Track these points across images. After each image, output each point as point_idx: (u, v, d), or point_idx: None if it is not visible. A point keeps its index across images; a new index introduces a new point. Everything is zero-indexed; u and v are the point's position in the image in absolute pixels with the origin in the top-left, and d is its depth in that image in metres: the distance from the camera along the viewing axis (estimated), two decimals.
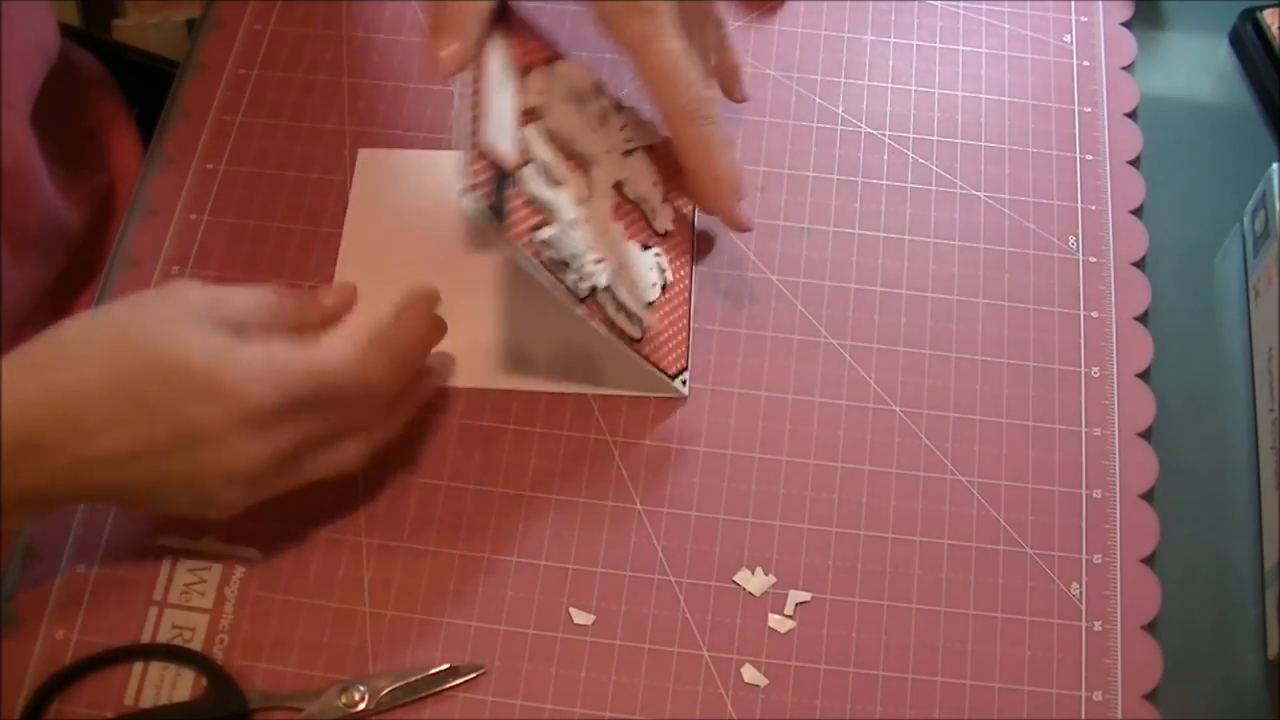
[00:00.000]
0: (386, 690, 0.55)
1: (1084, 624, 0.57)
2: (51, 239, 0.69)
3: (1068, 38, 0.72)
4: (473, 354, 0.63)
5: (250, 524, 0.58)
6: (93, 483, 0.51)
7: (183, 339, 0.51)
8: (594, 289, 0.56)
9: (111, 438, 0.50)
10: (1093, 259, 0.65)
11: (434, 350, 0.58)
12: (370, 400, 0.55)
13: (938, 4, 0.72)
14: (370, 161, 0.68)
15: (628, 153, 0.62)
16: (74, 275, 0.71)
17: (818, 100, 0.70)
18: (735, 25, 0.72)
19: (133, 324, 0.51)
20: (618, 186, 0.62)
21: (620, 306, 0.58)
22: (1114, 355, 0.63)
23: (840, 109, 0.69)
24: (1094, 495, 0.60)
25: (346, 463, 0.55)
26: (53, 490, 0.51)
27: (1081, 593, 0.58)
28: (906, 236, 0.66)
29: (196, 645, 0.56)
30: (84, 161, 0.74)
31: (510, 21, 0.59)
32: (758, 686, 0.56)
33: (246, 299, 0.55)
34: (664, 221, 0.63)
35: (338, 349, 0.54)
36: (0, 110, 0.63)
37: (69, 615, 0.57)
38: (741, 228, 0.62)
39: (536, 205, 0.55)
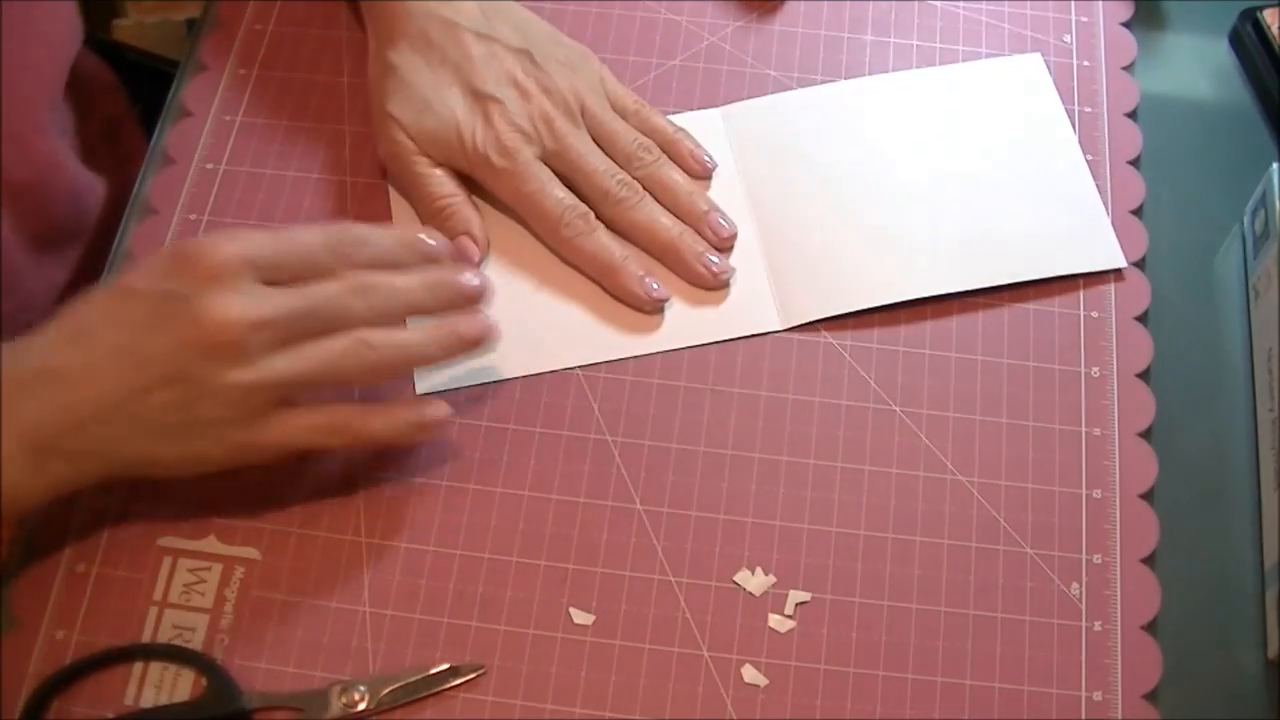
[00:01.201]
0: (386, 690, 0.55)
1: (1084, 624, 0.57)
2: (68, 239, 0.70)
3: (1068, 38, 0.72)
4: (553, 331, 0.63)
5: (250, 524, 0.58)
6: (104, 399, 0.52)
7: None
8: None
9: (108, 334, 0.53)
10: None
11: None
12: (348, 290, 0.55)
13: (938, 4, 0.73)
14: None
15: None
16: (89, 275, 0.71)
17: None
18: (735, 25, 0.72)
19: None
20: None
21: None
22: (1114, 355, 0.63)
23: None
24: (1094, 495, 0.60)
25: (341, 362, 0.55)
26: (73, 428, 0.52)
27: (1081, 593, 0.58)
28: None
29: (196, 645, 0.56)
30: (96, 165, 0.74)
31: None
32: (758, 686, 0.56)
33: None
34: None
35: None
36: (19, 121, 0.63)
37: (69, 615, 0.57)
38: (644, 303, 0.63)
39: None
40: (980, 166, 0.67)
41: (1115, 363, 0.63)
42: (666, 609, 0.57)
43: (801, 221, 0.65)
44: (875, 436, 0.61)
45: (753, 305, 0.64)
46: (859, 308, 0.63)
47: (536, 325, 0.63)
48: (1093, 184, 0.66)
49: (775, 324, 0.63)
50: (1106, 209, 0.66)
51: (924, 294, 0.64)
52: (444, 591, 0.58)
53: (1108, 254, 0.65)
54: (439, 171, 0.64)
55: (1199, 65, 0.72)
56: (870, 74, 0.70)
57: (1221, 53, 0.73)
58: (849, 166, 0.67)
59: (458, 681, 0.56)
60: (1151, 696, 0.56)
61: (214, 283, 0.52)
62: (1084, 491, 0.60)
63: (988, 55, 0.71)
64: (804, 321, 0.63)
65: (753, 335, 0.63)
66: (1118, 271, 0.65)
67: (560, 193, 0.63)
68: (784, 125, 0.68)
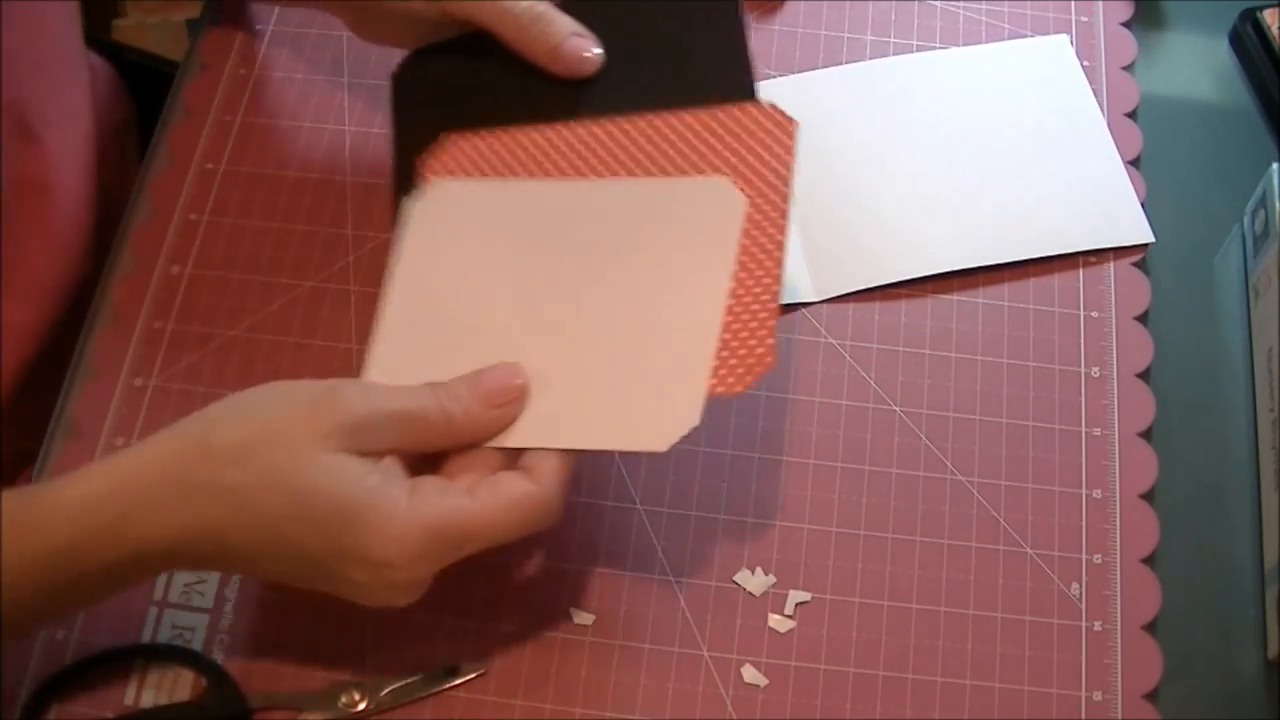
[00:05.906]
0: (386, 690, 0.55)
1: (1084, 624, 0.57)
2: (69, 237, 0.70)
3: (1068, 38, 0.72)
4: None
5: None
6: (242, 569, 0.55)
7: (330, 489, 0.49)
8: None
9: (267, 565, 0.51)
10: (1092, 258, 0.65)
11: None
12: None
13: (938, 4, 0.73)
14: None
15: None
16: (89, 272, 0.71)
17: None
18: None
19: (278, 457, 0.49)
20: None
21: None
22: (1114, 355, 0.63)
23: None
24: (1094, 495, 0.60)
25: None
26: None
27: (1081, 593, 0.58)
28: None
29: (196, 645, 0.56)
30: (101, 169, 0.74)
31: None
32: (758, 686, 0.56)
33: (392, 431, 0.50)
34: None
35: (488, 509, 0.50)
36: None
37: (69, 615, 0.57)
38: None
39: None
40: (1009, 143, 0.68)
41: (1115, 363, 0.63)
42: (666, 609, 0.57)
43: (835, 196, 0.66)
44: (875, 436, 0.61)
45: (787, 276, 0.64)
46: (891, 280, 0.64)
47: None
48: (1120, 161, 0.67)
49: (810, 295, 0.64)
50: None
51: (955, 267, 0.64)
52: (444, 591, 0.58)
53: (1136, 230, 0.65)
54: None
55: (1199, 65, 0.72)
56: None
57: (1221, 53, 0.73)
58: (881, 142, 0.68)
59: (458, 681, 0.56)
60: (1151, 696, 0.56)
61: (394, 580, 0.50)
62: (1084, 491, 0.60)
63: None
64: (837, 294, 0.64)
65: (786, 305, 0.63)
66: (1129, 250, 0.65)
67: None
68: (816, 102, 0.69)
